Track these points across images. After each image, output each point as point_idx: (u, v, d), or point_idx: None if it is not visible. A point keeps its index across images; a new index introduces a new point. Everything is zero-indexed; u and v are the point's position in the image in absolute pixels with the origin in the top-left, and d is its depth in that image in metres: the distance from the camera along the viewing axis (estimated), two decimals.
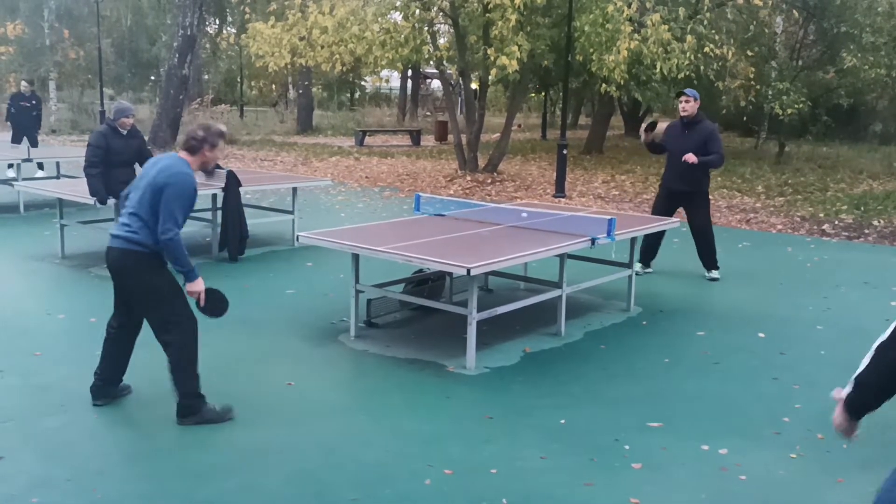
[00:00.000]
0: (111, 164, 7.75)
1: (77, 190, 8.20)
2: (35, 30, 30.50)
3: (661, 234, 8.10)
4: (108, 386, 4.66)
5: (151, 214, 4.21)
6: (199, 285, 4.38)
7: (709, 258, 8.16)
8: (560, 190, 14.35)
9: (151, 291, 4.34)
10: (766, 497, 3.72)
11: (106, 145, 7.69)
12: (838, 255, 9.59)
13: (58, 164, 13.13)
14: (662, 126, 8.35)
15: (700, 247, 8.14)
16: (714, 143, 7.82)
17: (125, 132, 7.84)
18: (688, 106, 7.83)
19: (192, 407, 4.37)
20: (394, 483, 3.77)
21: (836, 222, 11.77)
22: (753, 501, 3.68)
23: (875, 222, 11.70)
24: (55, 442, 4.14)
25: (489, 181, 16.09)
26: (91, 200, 7.72)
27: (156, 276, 4.32)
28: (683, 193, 7.99)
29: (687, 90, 7.96)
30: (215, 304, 4.54)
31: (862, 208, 12.77)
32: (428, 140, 27.39)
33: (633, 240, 6.84)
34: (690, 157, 7.69)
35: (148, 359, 5.38)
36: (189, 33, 22.10)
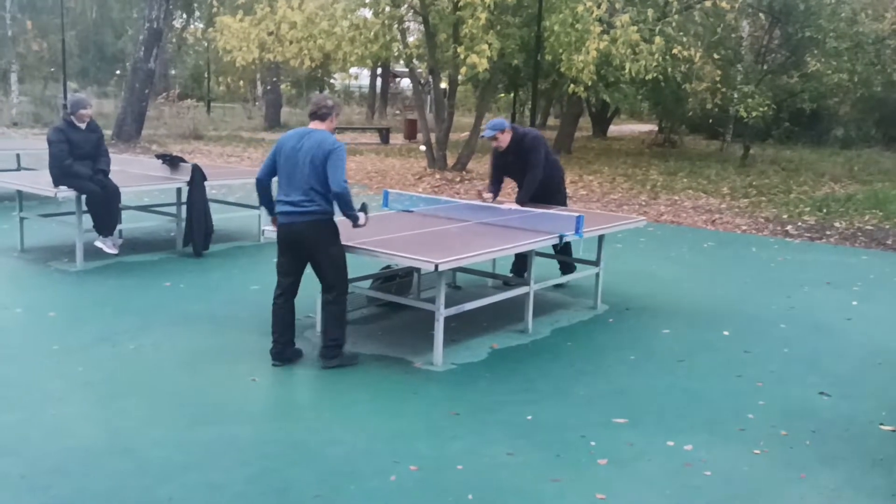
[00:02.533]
0: (72, 157, 7.55)
1: (37, 182, 8.01)
2: None
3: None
4: (287, 347, 5.22)
5: (323, 183, 4.84)
6: (363, 219, 5.19)
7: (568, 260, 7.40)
8: None
9: (338, 253, 5.11)
10: (731, 492, 3.74)
11: (66, 139, 7.49)
12: (801, 255, 9.73)
13: (18, 156, 12.84)
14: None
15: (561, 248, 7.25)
16: (532, 154, 7.08)
17: (83, 126, 7.63)
18: (499, 142, 7.07)
19: (335, 350, 5.14)
20: (359, 480, 3.72)
21: (799, 223, 11.94)
22: (718, 496, 3.70)
23: (837, 224, 11.90)
24: (10, 438, 4.03)
25: (458, 179, 16.09)
26: (52, 192, 7.53)
27: (338, 239, 5.10)
28: (545, 197, 7.30)
29: (486, 131, 7.12)
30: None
31: (824, 210, 12.98)
32: (397, 138, 27.32)
33: (601, 237, 6.86)
34: (511, 206, 7.05)
35: (109, 354, 5.29)
36: (155, 27, 21.77)
